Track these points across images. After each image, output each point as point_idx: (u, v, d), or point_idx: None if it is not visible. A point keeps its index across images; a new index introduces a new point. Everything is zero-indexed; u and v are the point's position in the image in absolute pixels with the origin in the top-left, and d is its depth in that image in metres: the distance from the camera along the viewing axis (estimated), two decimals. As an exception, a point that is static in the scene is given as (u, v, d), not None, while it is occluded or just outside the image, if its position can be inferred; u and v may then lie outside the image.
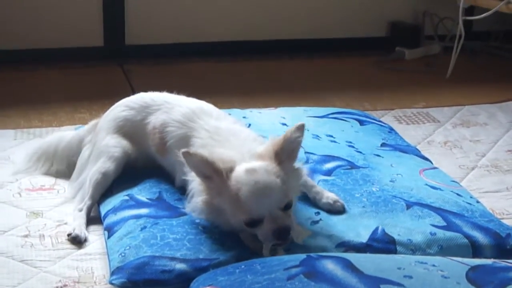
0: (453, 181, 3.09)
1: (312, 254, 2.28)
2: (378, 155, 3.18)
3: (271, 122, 3.47)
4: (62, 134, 3.31)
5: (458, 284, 2.06)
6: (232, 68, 5.11)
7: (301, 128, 2.50)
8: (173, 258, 2.43)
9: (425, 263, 2.20)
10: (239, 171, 2.42)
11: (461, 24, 4.89)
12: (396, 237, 2.55)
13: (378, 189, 2.84)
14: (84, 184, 2.96)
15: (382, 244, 2.53)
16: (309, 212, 2.68)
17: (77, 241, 2.72)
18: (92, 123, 3.21)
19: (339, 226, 2.60)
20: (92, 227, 2.83)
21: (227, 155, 2.48)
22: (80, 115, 4.11)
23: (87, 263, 2.61)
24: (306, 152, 3.10)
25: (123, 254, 2.47)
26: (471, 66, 5.26)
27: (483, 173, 3.47)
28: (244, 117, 3.45)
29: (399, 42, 5.47)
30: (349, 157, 3.11)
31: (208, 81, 4.79)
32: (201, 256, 2.45)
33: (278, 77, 4.98)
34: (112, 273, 2.42)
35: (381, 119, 3.89)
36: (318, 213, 2.68)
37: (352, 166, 3.03)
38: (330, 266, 2.16)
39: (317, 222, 2.63)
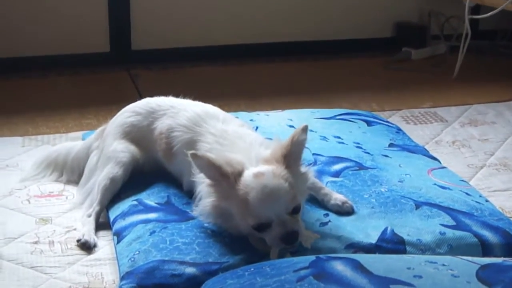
0: (462, 180, 3.08)
1: (321, 256, 2.27)
2: (386, 156, 3.17)
3: (279, 124, 3.47)
4: (71, 145, 3.31)
5: (468, 283, 2.06)
6: (238, 71, 5.11)
7: (305, 130, 2.49)
8: (182, 262, 2.43)
9: (435, 262, 2.19)
10: (247, 175, 2.42)
11: (467, 23, 4.88)
12: (405, 237, 2.55)
13: (386, 190, 2.84)
14: (92, 190, 2.96)
15: (391, 244, 2.52)
16: (318, 213, 2.68)
17: (86, 247, 2.73)
18: (99, 129, 3.21)
19: (348, 227, 2.60)
20: (101, 233, 2.83)
21: (234, 159, 2.48)
22: (88, 121, 4.12)
23: (97, 269, 2.61)
24: (314, 154, 3.10)
25: (132, 259, 2.47)
26: (478, 65, 5.24)
27: (492, 172, 3.46)
28: (251, 120, 3.45)
29: (405, 42, 5.46)
30: (357, 158, 3.10)
31: (215, 84, 4.78)
32: (210, 260, 2.45)
33: (285, 80, 4.97)
34: (122, 278, 2.42)
35: (388, 120, 3.88)
36: (327, 214, 2.68)
37: (360, 167, 3.02)
38: (339, 267, 2.15)
39: (326, 223, 2.62)
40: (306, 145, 2.54)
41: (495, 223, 2.66)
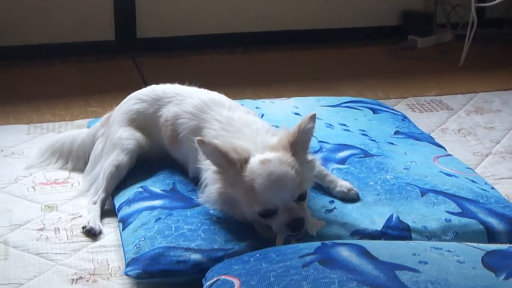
0: (468, 168, 3.08)
1: (326, 242, 2.28)
2: (391, 143, 3.17)
3: (284, 112, 3.46)
4: (76, 133, 3.31)
5: (474, 269, 2.06)
6: (244, 59, 5.10)
7: (313, 118, 2.49)
8: (188, 249, 2.43)
9: (440, 248, 2.19)
10: (254, 162, 2.41)
11: (474, 11, 4.86)
12: (411, 224, 2.54)
13: (392, 177, 2.83)
14: (98, 177, 2.96)
15: (397, 231, 2.52)
16: (324, 200, 2.68)
17: (92, 234, 2.73)
18: (104, 117, 3.21)
19: (353, 214, 2.60)
20: (107, 220, 2.84)
21: (241, 146, 2.48)
22: (93, 108, 4.12)
23: (102, 255, 2.62)
24: (319, 141, 3.09)
25: (138, 246, 2.47)
26: (484, 53, 5.23)
27: (498, 159, 3.46)
28: (257, 108, 3.44)
29: (411, 30, 5.45)
30: (363, 145, 3.10)
31: (220, 72, 4.78)
32: (215, 246, 2.45)
33: (291, 68, 4.97)
34: (128, 265, 2.42)
35: (394, 108, 3.88)
36: (333, 201, 2.67)
37: (366, 154, 3.02)
38: (345, 253, 2.15)
39: (331, 210, 2.62)
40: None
41: (500, 210, 2.66)
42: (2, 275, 2.48)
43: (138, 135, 2.97)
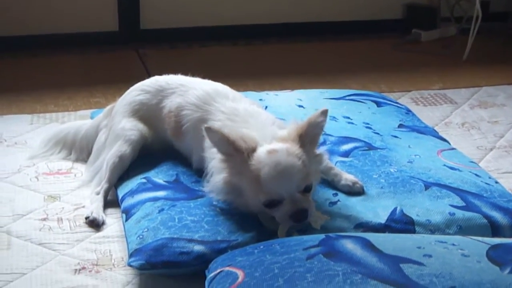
0: (472, 161, 3.07)
1: (331, 234, 2.27)
2: (395, 136, 3.16)
3: (288, 104, 3.45)
4: (80, 123, 3.31)
5: (478, 263, 2.05)
6: (247, 52, 5.10)
7: (325, 113, 2.49)
8: (191, 240, 2.43)
9: (445, 242, 2.18)
10: (261, 151, 2.41)
11: (478, 5, 4.85)
12: (414, 217, 2.54)
13: (396, 170, 2.83)
14: (101, 167, 2.96)
15: (400, 224, 2.51)
16: (327, 193, 2.67)
17: (94, 224, 2.73)
18: (108, 108, 3.20)
19: (357, 207, 2.59)
20: (110, 210, 2.84)
21: (248, 135, 2.47)
22: (96, 99, 4.12)
23: (105, 246, 2.62)
24: (323, 134, 3.08)
25: (141, 236, 2.47)
26: (488, 47, 5.22)
27: (502, 154, 3.45)
28: (260, 100, 3.43)
29: (415, 24, 5.44)
30: (367, 138, 3.09)
31: (223, 64, 4.77)
32: (219, 238, 2.44)
33: (294, 60, 4.96)
34: (131, 255, 2.42)
35: (398, 101, 3.87)
36: (336, 194, 2.67)
37: (370, 147, 3.01)
38: (349, 245, 2.15)
39: (335, 203, 2.62)
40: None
41: (504, 204, 2.65)
42: (5, 265, 2.48)
43: (141, 126, 2.96)
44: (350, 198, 2.65)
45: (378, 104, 3.56)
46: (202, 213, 2.56)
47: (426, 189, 2.70)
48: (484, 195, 2.70)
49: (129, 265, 2.40)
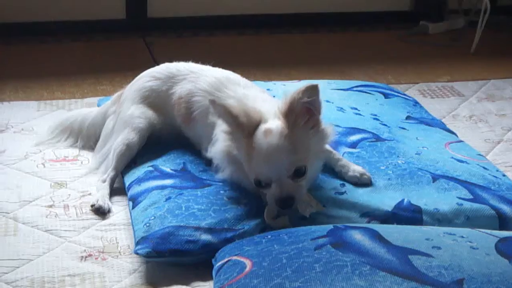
0: (479, 154, 3.06)
1: (338, 225, 2.27)
2: (403, 128, 3.15)
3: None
4: (87, 111, 3.30)
5: (487, 255, 2.05)
6: (255, 41, 5.08)
7: (309, 90, 2.39)
8: (198, 228, 2.43)
9: (454, 234, 2.18)
10: (260, 130, 2.40)
11: (487, -2, 4.83)
12: (422, 206, 2.53)
13: (403, 162, 2.82)
14: (108, 155, 2.96)
15: (408, 212, 2.51)
16: (335, 183, 2.66)
17: (100, 212, 2.73)
18: (116, 95, 3.20)
19: (364, 197, 2.59)
20: (116, 198, 2.83)
21: (254, 109, 2.45)
22: (103, 87, 4.11)
23: (112, 233, 2.61)
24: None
25: (148, 224, 2.47)
26: (496, 40, 5.20)
27: (509, 147, 3.44)
28: (268, 89, 3.42)
29: (423, 16, 5.42)
30: (374, 129, 3.08)
31: (231, 53, 4.76)
32: (226, 226, 2.44)
33: (301, 51, 4.94)
34: (137, 243, 2.42)
35: (405, 93, 3.85)
36: (344, 184, 2.66)
37: (377, 138, 3.00)
38: (357, 236, 2.15)
39: (342, 193, 2.61)
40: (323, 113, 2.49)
41: (512, 197, 2.65)
42: (11, 251, 2.48)
43: (150, 113, 2.96)
44: (357, 189, 2.65)
45: (386, 96, 3.55)
46: (209, 202, 2.56)
47: (433, 181, 2.70)
48: (492, 188, 2.70)
49: (136, 253, 2.40)
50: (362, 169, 2.70)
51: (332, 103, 3.34)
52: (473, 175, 2.77)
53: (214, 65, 3.03)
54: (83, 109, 3.42)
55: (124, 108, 2.99)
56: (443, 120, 3.60)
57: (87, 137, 3.22)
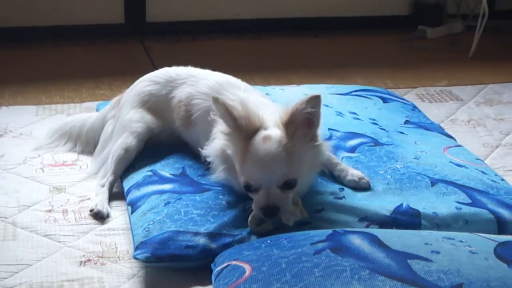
0: (478, 159, 3.06)
1: (337, 229, 2.27)
2: (401, 133, 3.15)
3: (294, 99, 3.42)
4: (86, 116, 3.30)
5: (486, 260, 2.05)
6: (254, 46, 5.09)
7: (313, 100, 2.40)
8: (197, 233, 2.43)
9: (452, 238, 2.18)
10: (259, 135, 2.40)
11: (485, 2, 4.84)
12: (421, 210, 2.53)
13: (402, 166, 2.82)
14: (107, 159, 2.96)
15: (406, 217, 2.51)
16: (333, 188, 2.66)
17: (99, 217, 2.72)
18: (115, 99, 3.20)
19: (363, 201, 2.59)
20: (115, 203, 2.83)
21: (257, 114, 2.45)
22: (101, 91, 4.11)
23: (111, 238, 2.61)
24: (329, 129, 3.08)
25: (147, 229, 2.47)
26: (494, 44, 5.20)
27: (507, 151, 3.44)
28: (266, 94, 3.42)
29: (422, 20, 5.42)
30: (373, 134, 3.09)
31: (229, 58, 4.76)
32: (225, 232, 2.44)
33: (300, 55, 4.95)
34: (136, 248, 2.42)
35: (404, 97, 3.86)
36: (342, 189, 2.66)
37: (376, 143, 3.00)
38: (356, 241, 2.15)
39: (341, 198, 2.61)
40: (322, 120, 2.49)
41: (511, 201, 2.65)
42: (10, 256, 2.48)
43: (148, 117, 2.96)
44: (356, 194, 2.65)
45: (384, 100, 3.56)
46: (208, 207, 2.56)
47: (432, 185, 2.70)
48: (490, 192, 2.70)
49: (135, 257, 2.39)
50: (361, 174, 2.70)
51: (331, 107, 3.34)
52: (472, 179, 2.77)
53: (213, 70, 3.03)
54: (82, 114, 3.43)
55: (123, 113, 2.99)
56: (441, 125, 3.60)
57: (86, 142, 3.22)
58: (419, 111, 3.53)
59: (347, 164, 2.78)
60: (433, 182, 2.72)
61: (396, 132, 3.15)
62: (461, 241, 2.16)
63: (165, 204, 2.58)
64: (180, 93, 2.90)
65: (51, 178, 3.01)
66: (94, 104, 3.73)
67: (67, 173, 3.06)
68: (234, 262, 2.17)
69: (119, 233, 2.65)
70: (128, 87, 3.15)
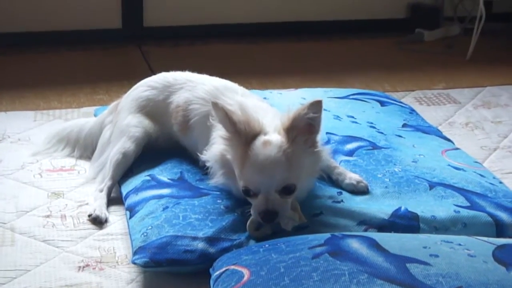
0: (476, 162, 3.07)
1: (336, 233, 2.27)
2: (399, 136, 3.16)
3: (292, 103, 3.42)
4: (84, 121, 3.30)
5: (485, 263, 2.05)
6: (251, 50, 5.09)
7: (315, 105, 2.42)
8: (195, 238, 2.42)
9: (451, 242, 2.18)
10: (259, 140, 2.40)
11: (482, 5, 4.84)
12: (419, 213, 2.53)
13: (400, 170, 2.82)
14: (105, 164, 2.96)
15: (405, 220, 2.51)
16: (331, 191, 2.66)
17: (97, 222, 2.73)
18: (112, 104, 3.20)
19: (361, 205, 2.59)
20: (113, 208, 2.83)
21: (257, 120, 2.45)
22: (99, 96, 4.11)
23: (109, 243, 2.61)
24: (327, 133, 3.08)
25: (145, 234, 2.47)
26: (491, 47, 5.21)
27: (505, 154, 3.44)
28: (264, 98, 3.42)
29: (419, 23, 5.43)
30: (371, 137, 3.09)
31: (227, 62, 4.76)
32: (223, 236, 2.44)
33: (298, 59, 4.95)
34: (135, 253, 2.42)
35: (401, 100, 3.86)
36: (340, 193, 2.66)
37: (374, 146, 3.01)
38: (355, 245, 2.14)
39: (339, 202, 2.61)
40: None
41: (509, 204, 2.65)
42: (9, 261, 2.48)
43: (146, 122, 2.96)
44: (354, 197, 2.65)
45: (382, 104, 3.56)
46: (206, 211, 2.56)
47: (430, 188, 2.70)
48: (489, 195, 2.70)
49: (133, 262, 2.39)
50: (359, 177, 2.71)
51: (329, 111, 3.34)
52: (470, 182, 2.78)
53: (210, 74, 3.03)
54: (80, 119, 3.43)
55: (121, 118, 2.99)
56: (439, 128, 3.61)
57: (84, 147, 3.22)
58: (417, 114, 3.53)
59: (345, 168, 2.78)
60: (431, 185, 2.72)
61: (394, 136, 3.15)
62: (460, 245, 2.16)
63: (164, 209, 2.58)
64: (178, 98, 2.90)
65: (49, 184, 3.01)
66: (92, 109, 3.73)
67: (65, 178, 3.06)
68: (232, 267, 2.17)
69: (118, 238, 2.65)
70: (126, 92, 3.15)
